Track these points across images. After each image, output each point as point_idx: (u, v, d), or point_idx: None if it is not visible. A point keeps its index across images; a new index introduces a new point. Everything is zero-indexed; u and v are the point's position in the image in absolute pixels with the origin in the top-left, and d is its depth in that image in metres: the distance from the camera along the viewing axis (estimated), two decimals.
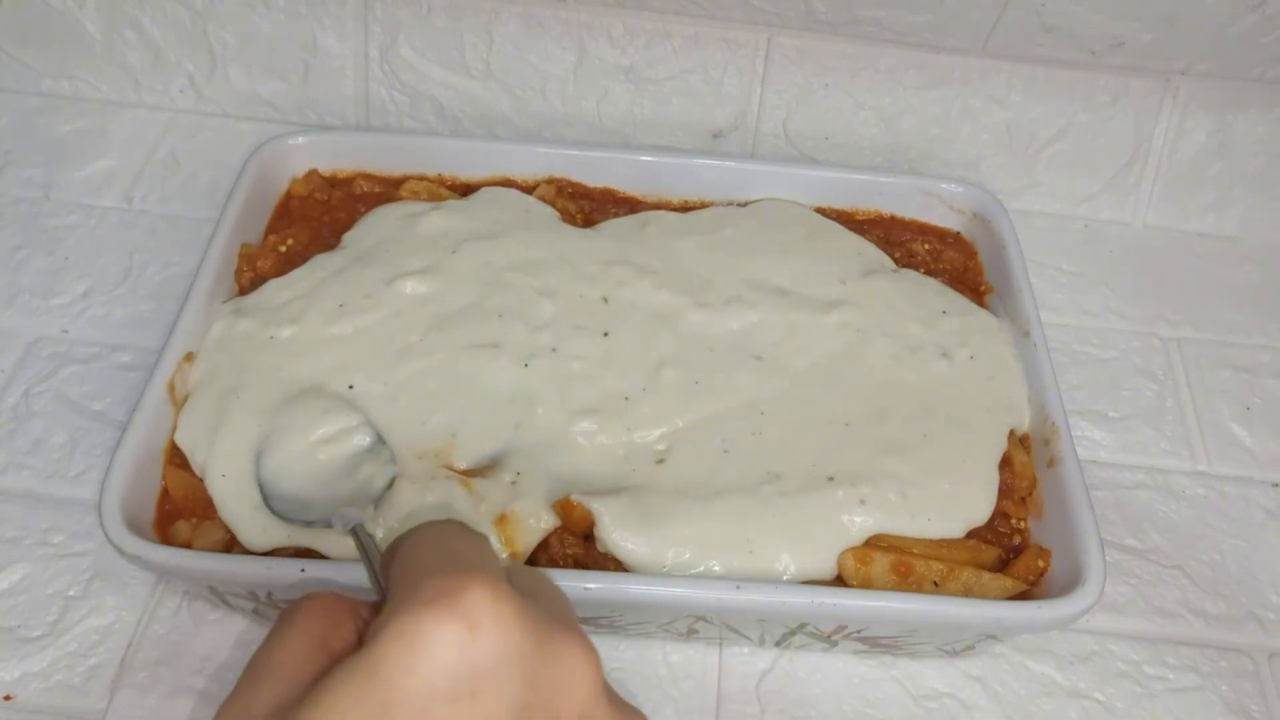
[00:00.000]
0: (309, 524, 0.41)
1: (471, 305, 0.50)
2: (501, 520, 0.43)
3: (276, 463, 0.43)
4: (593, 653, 0.27)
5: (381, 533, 0.42)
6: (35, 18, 0.64)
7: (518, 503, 0.43)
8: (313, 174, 0.57)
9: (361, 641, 0.27)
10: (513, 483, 0.44)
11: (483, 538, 0.30)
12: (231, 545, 0.43)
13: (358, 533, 0.39)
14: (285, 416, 0.44)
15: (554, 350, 0.49)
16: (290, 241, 0.54)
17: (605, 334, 0.50)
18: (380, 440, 0.44)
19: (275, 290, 0.50)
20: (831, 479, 0.45)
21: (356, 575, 0.39)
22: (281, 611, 0.30)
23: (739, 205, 0.58)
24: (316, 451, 0.44)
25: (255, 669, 0.28)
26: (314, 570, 0.40)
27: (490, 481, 0.44)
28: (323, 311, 0.50)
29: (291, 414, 0.44)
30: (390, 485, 0.43)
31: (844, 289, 0.53)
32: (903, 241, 0.57)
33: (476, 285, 0.51)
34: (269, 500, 0.42)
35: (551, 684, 0.26)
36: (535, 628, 0.26)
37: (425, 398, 0.47)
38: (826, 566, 0.43)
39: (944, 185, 0.58)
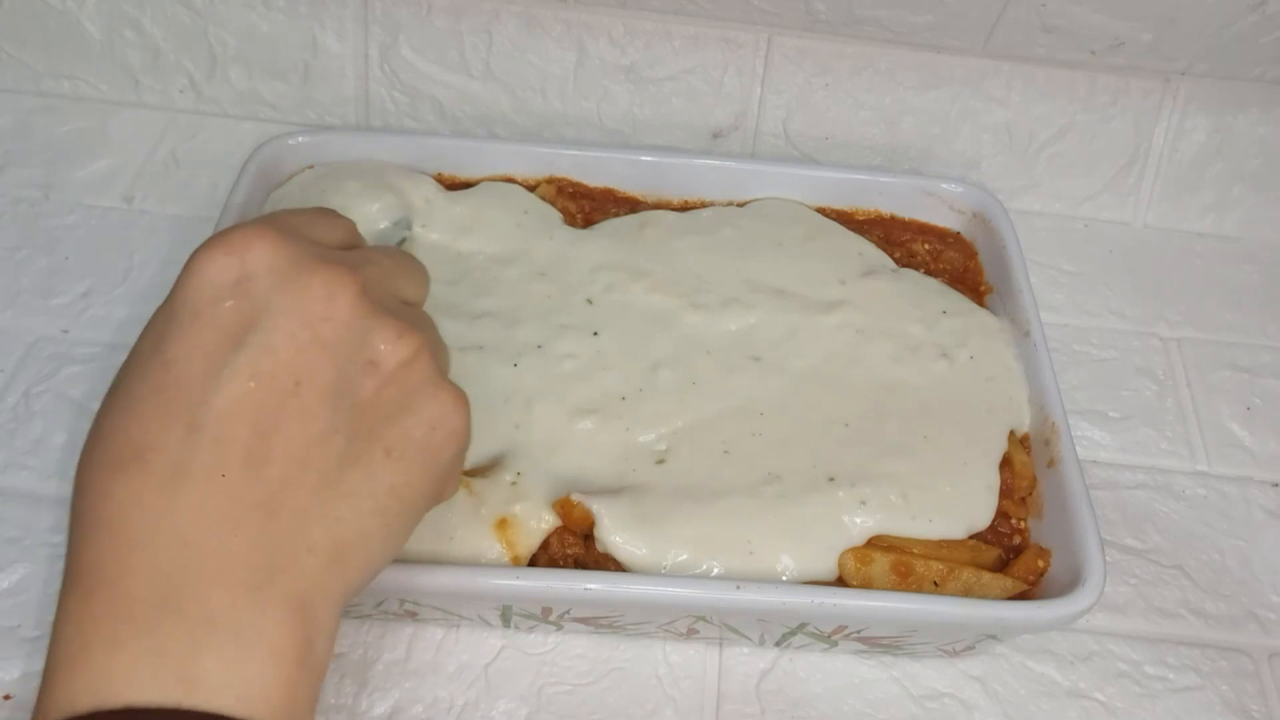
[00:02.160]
0: None
1: (460, 304, 0.50)
2: (502, 524, 0.43)
3: None
4: (356, 277, 0.32)
5: None
6: (35, 18, 0.64)
7: (518, 505, 0.43)
8: None
9: None
10: (513, 483, 0.44)
11: (316, 212, 0.36)
12: None
13: None
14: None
15: (552, 352, 0.49)
16: None
17: (594, 333, 0.50)
18: (406, 219, 0.53)
19: None
20: (832, 480, 0.45)
21: None
22: None
23: (738, 205, 0.58)
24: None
25: None
26: None
27: (490, 482, 0.44)
28: None
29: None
30: (401, 243, 0.52)
31: (844, 289, 0.53)
32: (903, 241, 0.57)
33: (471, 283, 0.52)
34: None
35: (305, 293, 0.31)
36: (293, 254, 0.32)
37: None
38: (827, 567, 0.43)
39: (944, 185, 0.58)
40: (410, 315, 0.35)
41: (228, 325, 0.31)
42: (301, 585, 0.30)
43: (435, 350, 0.34)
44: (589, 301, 0.51)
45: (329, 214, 0.37)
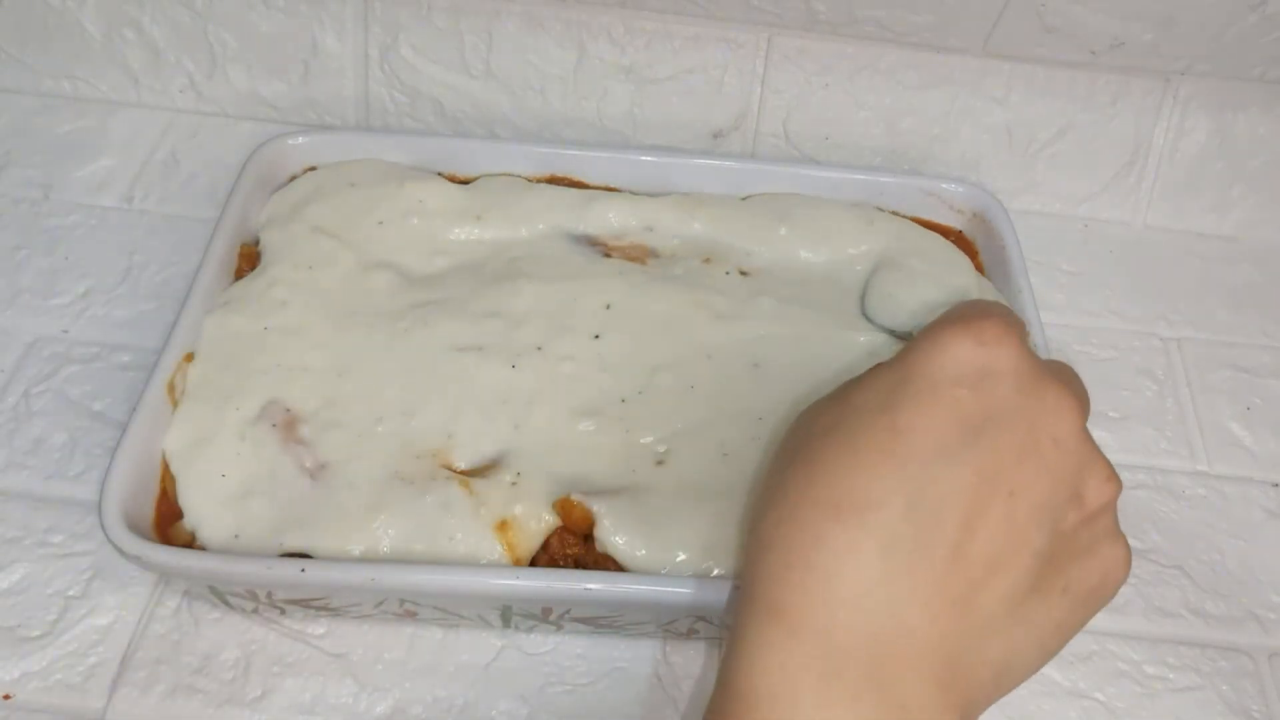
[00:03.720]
0: (892, 332, 0.51)
1: (460, 304, 0.50)
2: (503, 525, 0.43)
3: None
4: (1080, 401, 0.33)
5: None
6: (35, 18, 0.64)
7: (518, 505, 0.43)
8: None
9: None
10: (513, 484, 0.44)
11: (1016, 316, 0.35)
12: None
13: None
14: None
15: (545, 350, 0.49)
16: None
17: (596, 336, 0.50)
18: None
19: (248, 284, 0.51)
20: None
21: (363, 576, 0.39)
22: None
23: (741, 200, 0.57)
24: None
25: None
26: (314, 570, 0.40)
27: (490, 482, 0.44)
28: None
29: None
30: None
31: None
32: None
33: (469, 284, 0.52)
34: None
35: (1039, 405, 0.32)
36: (1034, 363, 0.32)
37: (419, 396, 0.47)
38: None
39: (944, 185, 0.58)
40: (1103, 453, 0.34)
41: (962, 413, 0.31)
42: (970, 696, 0.30)
43: None
44: (608, 306, 0.51)
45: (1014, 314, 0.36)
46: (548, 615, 0.44)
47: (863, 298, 0.53)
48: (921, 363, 0.32)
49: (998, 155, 0.66)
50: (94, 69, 0.65)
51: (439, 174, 0.57)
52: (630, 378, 0.48)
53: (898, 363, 0.33)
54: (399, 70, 0.64)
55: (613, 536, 0.43)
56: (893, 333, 0.51)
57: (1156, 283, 0.64)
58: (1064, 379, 0.33)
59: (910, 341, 0.33)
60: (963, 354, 0.31)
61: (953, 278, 0.53)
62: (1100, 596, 0.33)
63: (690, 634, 0.46)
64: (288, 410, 0.46)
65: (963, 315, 0.33)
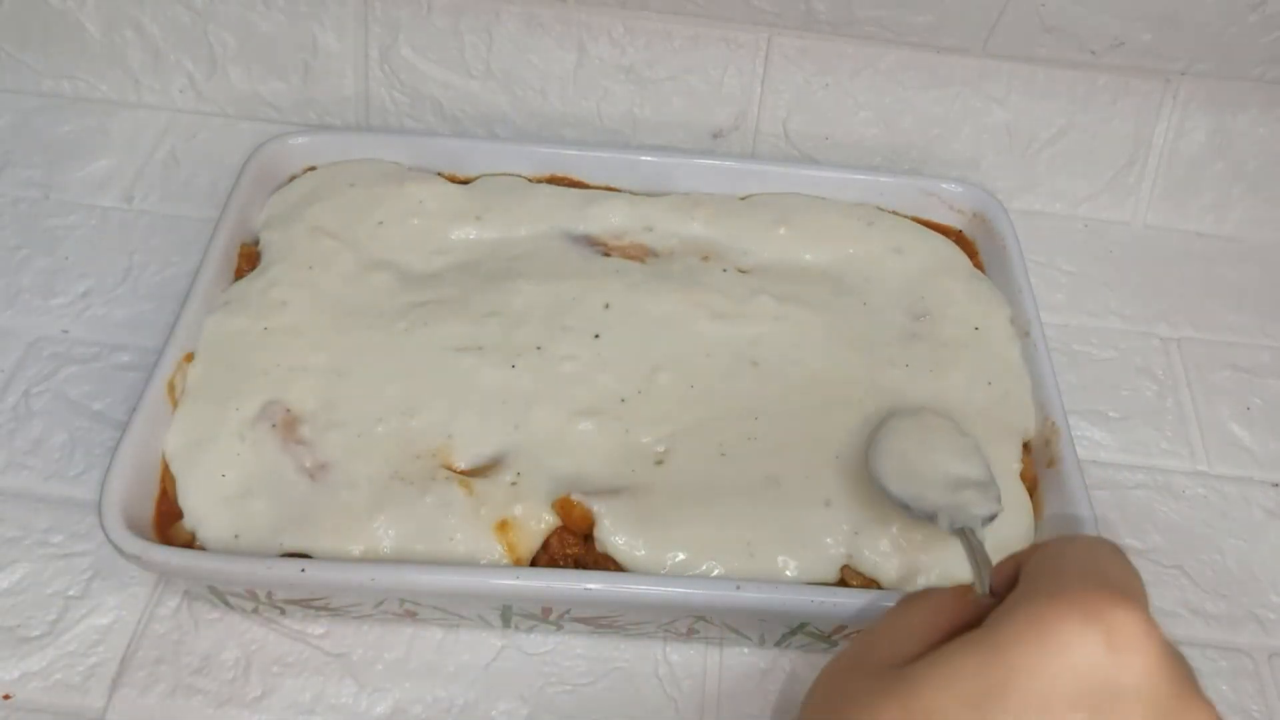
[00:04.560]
0: (907, 506, 0.41)
1: (460, 303, 0.50)
2: (503, 526, 0.43)
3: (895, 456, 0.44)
4: None
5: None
6: (35, 18, 0.64)
7: (518, 505, 0.43)
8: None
9: (980, 625, 0.26)
10: (513, 484, 0.44)
11: (1135, 571, 0.27)
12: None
13: (967, 534, 0.38)
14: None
15: (544, 350, 0.49)
16: None
17: (595, 336, 0.50)
18: (991, 478, 0.43)
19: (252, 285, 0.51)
20: (829, 504, 0.45)
21: (363, 576, 0.39)
22: (899, 600, 0.30)
23: (740, 199, 0.57)
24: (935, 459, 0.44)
25: (871, 633, 0.28)
26: (314, 570, 0.40)
27: (490, 482, 0.44)
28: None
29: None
30: (991, 519, 0.41)
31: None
32: None
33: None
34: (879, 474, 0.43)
35: None
36: (1178, 676, 0.24)
37: (419, 396, 0.47)
38: (828, 569, 0.43)
39: (944, 185, 0.58)
40: None
41: None
42: None
43: None
44: (606, 306, 0.51)
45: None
46: (548, 615, 0.44)
47: (867, 453, 0.45)
48: (1025, 662, 0.24)
49: (998, 155, 0.66)
50: (94, 69, 0.65)
51: (439, 174, 0.57)
52: (629, 377, 0.48)
53: (989, 649, 0.24)
54: (399, 70, 0.64)
55: (613, 536, 0.43)
56: (907, 508, 0.42)
57: (1156, 283, 0.64)
58: (1202, 692, 0.25)
59: (1007, 614, 0.25)
60: (1084, 660, 0.23)
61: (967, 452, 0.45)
62: None
63: (690, 634, 0.46)
64: (288, 410, 0.46)
65: (1083, 592, 0.24)
